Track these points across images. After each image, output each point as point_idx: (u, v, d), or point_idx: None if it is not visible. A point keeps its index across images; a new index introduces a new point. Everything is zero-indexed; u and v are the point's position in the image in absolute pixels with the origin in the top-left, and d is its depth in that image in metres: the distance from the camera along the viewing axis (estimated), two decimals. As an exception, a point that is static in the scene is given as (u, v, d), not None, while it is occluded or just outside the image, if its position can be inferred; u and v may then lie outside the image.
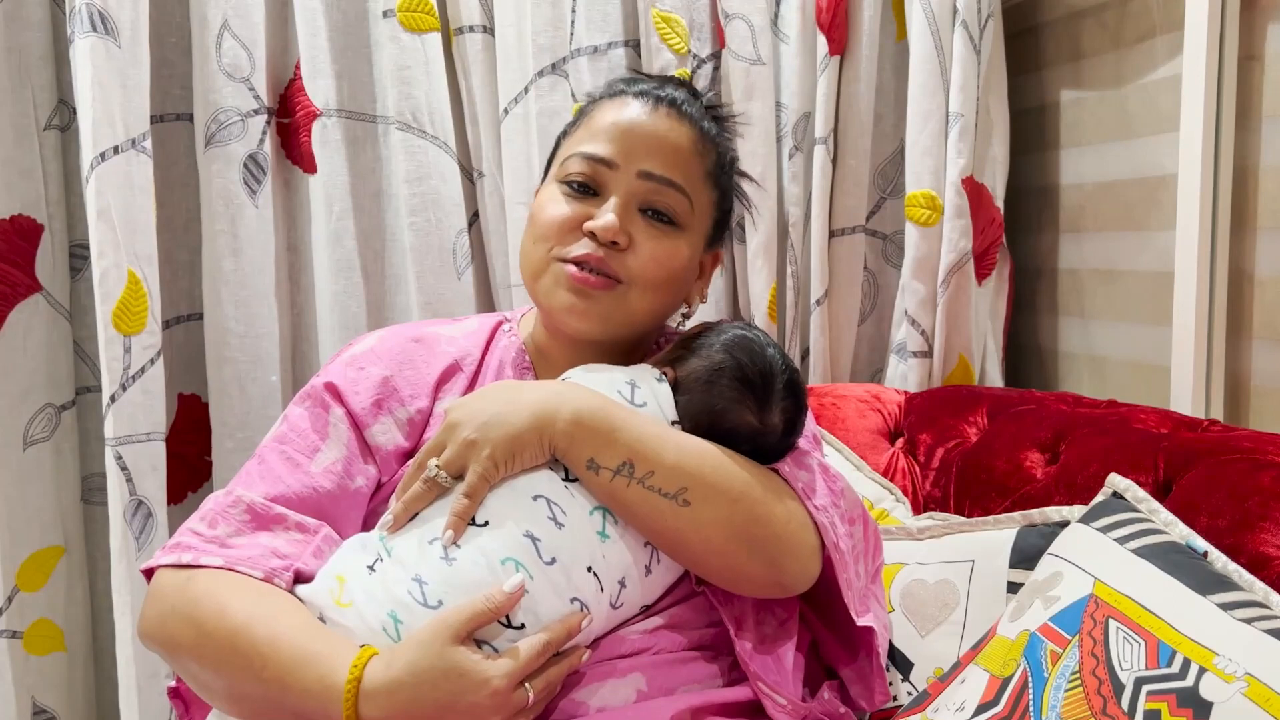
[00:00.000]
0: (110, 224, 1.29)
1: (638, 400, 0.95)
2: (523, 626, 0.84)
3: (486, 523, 0.87)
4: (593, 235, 0.99)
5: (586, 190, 1.01)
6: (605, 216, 0.98)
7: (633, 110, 1.02)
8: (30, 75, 1.39)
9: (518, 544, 0.86)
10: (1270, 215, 1.23)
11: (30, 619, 1.43)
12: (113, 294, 1.29)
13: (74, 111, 1.31)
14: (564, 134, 1.09)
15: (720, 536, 0.90)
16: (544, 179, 1.10)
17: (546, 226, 1.01)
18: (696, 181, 1.03)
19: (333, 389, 1.00)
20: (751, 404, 0.95)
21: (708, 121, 1.06)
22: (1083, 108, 1.56)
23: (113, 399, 1.29)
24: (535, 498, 0.89)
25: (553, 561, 0.86)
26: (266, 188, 1.45)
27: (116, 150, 1.29)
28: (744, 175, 1.15)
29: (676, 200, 1.01)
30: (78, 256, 1.46)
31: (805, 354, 1.63)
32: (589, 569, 0.88)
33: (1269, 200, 1.23)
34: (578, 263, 0.99)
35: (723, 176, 1.07)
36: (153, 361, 1.33)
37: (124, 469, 1.30)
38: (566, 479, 0.91)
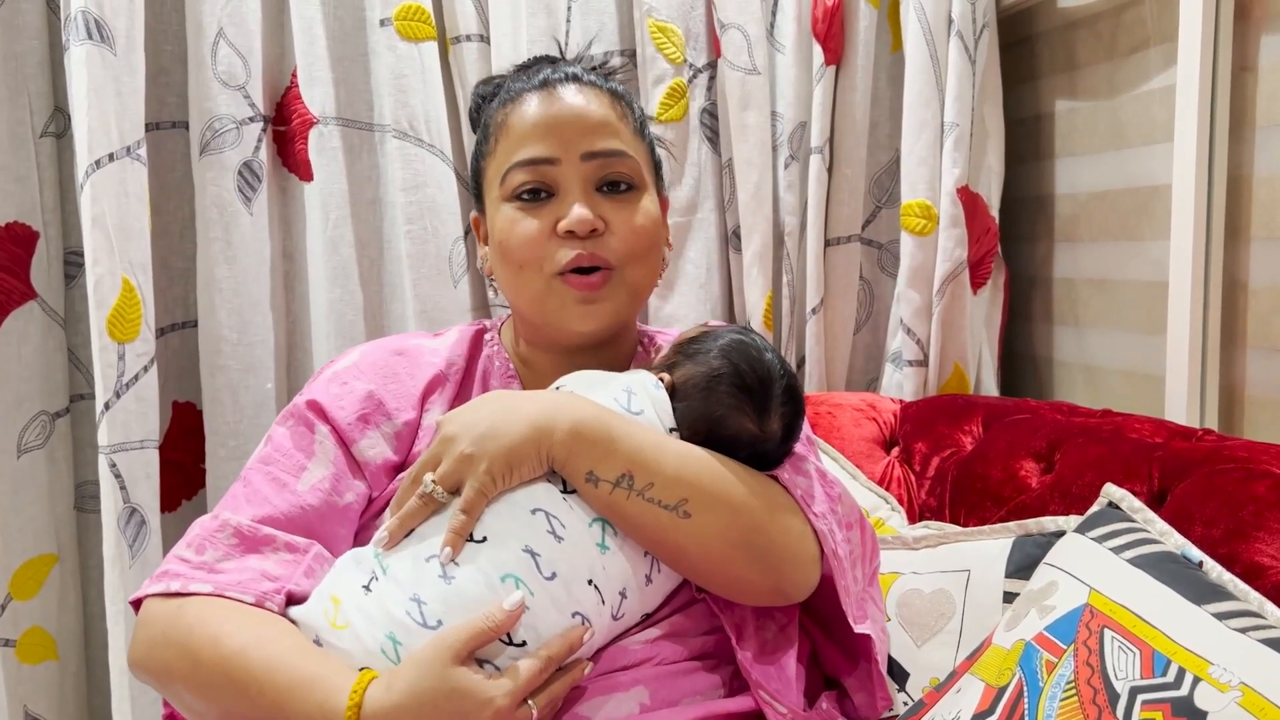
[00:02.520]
0: (105, 231, 1.28)
1: (635, 408, 0.93)
2: (524, 644, 0.83)
3: (485, 539, 0.85)
4: (570, 233, 0.98)
5: (538, 195, 1.00)
6: (574, 211, 0.98)
7: (545, 102, 1.01)
8: (26, 82, 1.39)
9: (517, 560, 0.85)
10: (1264, 225, 1.24)
11: (23, 627, 1.42)
12: (107, 301, 1.28)
13: (69, 119, 1.31)
14: (480, 155, 1.07)
15: (721, 547, 0.90)
16: (480, 207, 1.08)
17: (522, 248, 0.99)
18: (631, 140, 1.03)
19: (316, 406, 0.99)
20: (751, 411, 0.94)
21: (608, 81, 1.06)
22: (1077, 118, 1.57)
23: (106, 406, 1.29)
24: (534, 511, 0.87)
25: (553, 576, 0.85)
26: (261, 195, 1.45)
27: (111, 158, 1.29)
28: (651, 119, 1.14)
29: (626, 165, 1.01)
30: (72, 264, 1.45)
31: (801, 363, 1.63)
32: (589, 582, 0.87)
33: (1262, 210, 1.24)
34: (572, 269, 0.99)
35: (644, 128, 1.08)
36: (146, 369, 1.33)
37: (117, 476, 1.30)
38: (565, 491, 0.89)
